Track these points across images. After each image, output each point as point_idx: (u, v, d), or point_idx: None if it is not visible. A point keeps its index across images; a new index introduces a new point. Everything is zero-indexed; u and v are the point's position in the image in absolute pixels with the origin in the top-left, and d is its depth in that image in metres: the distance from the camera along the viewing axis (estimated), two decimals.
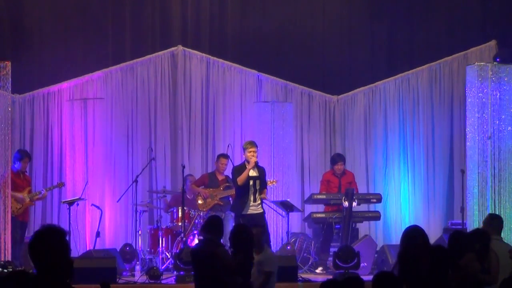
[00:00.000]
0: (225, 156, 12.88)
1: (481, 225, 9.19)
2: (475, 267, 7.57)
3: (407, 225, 14.08)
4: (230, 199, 12.65)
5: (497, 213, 12.44)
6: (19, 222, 12.12)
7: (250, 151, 11.51)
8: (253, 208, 11.42)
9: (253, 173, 11.50)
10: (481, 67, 12.81)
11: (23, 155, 12.42)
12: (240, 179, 11.45)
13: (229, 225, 12.47)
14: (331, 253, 12.60)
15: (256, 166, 11.54)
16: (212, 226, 8.20)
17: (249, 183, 11.43)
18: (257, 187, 11.46)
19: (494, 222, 8.84)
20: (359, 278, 6.20)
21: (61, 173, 13.79)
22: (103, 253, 11.81)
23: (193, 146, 14.10)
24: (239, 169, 11.59)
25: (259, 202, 11.47)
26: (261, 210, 11.50)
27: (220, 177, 12.80)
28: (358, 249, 11.54)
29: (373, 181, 14.44)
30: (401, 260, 7.11)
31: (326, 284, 6.22)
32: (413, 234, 7.12)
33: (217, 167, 12.92)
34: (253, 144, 11.66)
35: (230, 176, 12.12)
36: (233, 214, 12.49)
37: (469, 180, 12.71)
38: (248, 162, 11.51)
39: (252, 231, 8.02)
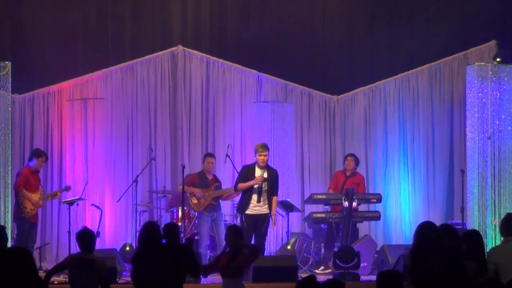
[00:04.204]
0: (211, 155, 12.88)
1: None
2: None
3: (407, 225, 14.23)
4: (220, 200, 12.60)
5: (497, 213, 12.48)
6: (29, 223, 12.16)
7: (261, 155, 11.38)
8: (257, 208, 11.34)
9: (260, 174, 11.42)
10: (481, 67, 12.82)
11: (41, 154, 12.44)
12: (240, 187, 11.43)
13: (221, 225, 12.46)
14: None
15: (267, 167, 11.47)
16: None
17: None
18: (264, 189, 11.35)
19: (509, 223, 8.69)
20: (340, 282, 6.18)
21: (61, 173, 13.80)
22: (103, 253, 11.80)
23: (193, 146, 14.09)
24: (246, 172, 11.47)
25: (265, 203, 11.35)
26: (267, 211, 11.36)
27: (209, 177, 12.75)
28: (358, 249, 11.54)
29: (373, 181, 14.44)
30: (412, 256, 7.09)
31: (302, 283, 6.17)
32: (426, 230, 7.10)
33: (204, 167, 12.85)
34: (264, 147, 11.48)
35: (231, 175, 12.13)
36: (224, 214, 12.52)
37: (469, 180, 12.72)
38: (258, 165, 11.41)
39: (160, 231, 7.85)
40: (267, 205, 11.38)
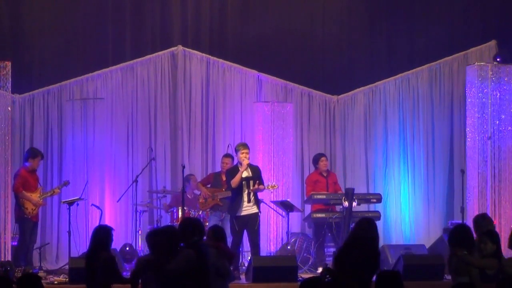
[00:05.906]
0: (227, 155, 12.88)
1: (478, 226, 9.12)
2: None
3: (407, 225, 14.23)
4: None
5: (497, 213, 12.50)
6: (32, 223, 12.18)
7: (243, 153, 11.57)
8: (247, 208, 11.44)
9: (246, 173, 11.52)
10: (481, 67, 12.84)
11: (37, 153, 12.44)
12: (234, 182, 11.49)
13: (228, 226, 12.48)
14: (327, 253, 12.63)
15: (249, 166, 11.58)
16: None
17: (242, 184, 11.46)
18: (251, 187, 11.48)
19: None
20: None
21: (61, 173, 13.79)
22: None
23: (193, 146, 14.09)
24: (231, 172, 11.65)
25: (253, 202, 11.48)
26: (256, 210, 11.50)
27: (224, 178, 12.77)
28: None
29: (373, 181, 14.44)
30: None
31: (306, 282, 6.20)
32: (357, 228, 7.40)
33: (221, 167, 12.92)
34: (245, 146, 11.74)
35: None
36: None
37: (469, 180, 12.73)
38: (241, 164, 11.54)
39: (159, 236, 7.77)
40: (255, 205, 11.50)
